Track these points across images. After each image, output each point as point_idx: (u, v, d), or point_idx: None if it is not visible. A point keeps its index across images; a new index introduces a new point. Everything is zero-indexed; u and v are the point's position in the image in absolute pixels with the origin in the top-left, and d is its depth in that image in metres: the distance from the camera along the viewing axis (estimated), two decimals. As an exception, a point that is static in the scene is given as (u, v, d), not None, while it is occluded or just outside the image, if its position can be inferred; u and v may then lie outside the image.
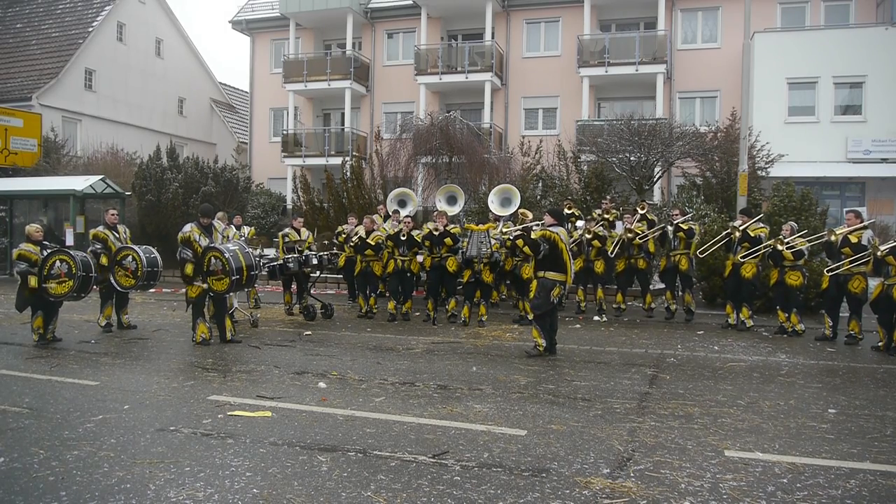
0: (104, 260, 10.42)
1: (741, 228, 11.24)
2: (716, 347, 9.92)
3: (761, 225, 11.43)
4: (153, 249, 10.74)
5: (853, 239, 10.01)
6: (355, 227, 12.91)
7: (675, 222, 12.02)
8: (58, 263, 9.64)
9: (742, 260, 11.09)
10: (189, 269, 9.74)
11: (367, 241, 12.31)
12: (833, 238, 10.17)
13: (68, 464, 4.99)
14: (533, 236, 9.17)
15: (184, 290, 10.28)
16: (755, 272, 11.16)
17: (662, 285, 13.07)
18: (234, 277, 9.47)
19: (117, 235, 10.89)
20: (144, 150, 24.59)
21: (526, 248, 9.22)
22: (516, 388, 7.35)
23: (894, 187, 21.82)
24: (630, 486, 4.64)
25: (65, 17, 30.17)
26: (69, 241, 17.59)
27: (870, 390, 7.47)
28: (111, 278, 10.42)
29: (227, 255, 9.48)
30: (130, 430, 5.79)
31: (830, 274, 10.16)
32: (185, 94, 33.73)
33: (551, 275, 8.89)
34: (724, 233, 11.84)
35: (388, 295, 12.86)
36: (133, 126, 30.06)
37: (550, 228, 8.98)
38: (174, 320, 12.24)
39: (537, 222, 10.64)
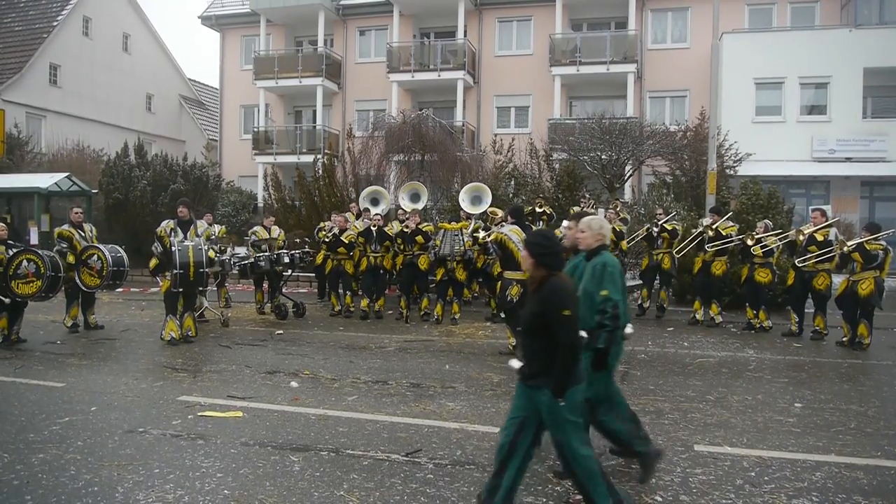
0: (71, 258, 10.23)
1: (714, 228, 11.41)
2: (685, 343, 10.05)
3: (730, 223, 11.63)
4: (119, 248, 10.58)
5: (819, 237, 10.21)
6: (338, 223, 12.81)
7: (659, 223, 12.15)
8: (25, 263, 9.44)
9: (709, 248, 11.25)
10: (153, 263, 9.95)
11: (341, 238, 12.25)
12: (800, 238, 10.35)
13: (33, 467, 4.89)
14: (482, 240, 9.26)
15: (154, 289, 10.16)
16: (725, 270, 11.36)
17: (634, 283, 13.19)
18: (176, 272, 9.39)
19: (83, 234, 10.68)
20: (112, 147, 24.08)
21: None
22: (489, 386, 7.38)
23: (858, 186, 22.31)
24: (602, 481, 4.68)
25: (28, 10, 29.48)
26: (34, 239, 17.22)
27: (834, 384, 7.63)
28: (76, 278, 10.23)
29: (173, 248, 9.48)
30: (98, 432, 5.70)
31: (800, 265, 10.32)
32: (153, 90, 33.17)
33: (509, 274, 8.99)
34: (696, 232, 12.01)
35: (360, 293, 12.81)
36: (100, 122, 29.46)
37: (501, 229, 9.13)
38: (143, 320, 12.06)
39: (502, 221, 10.72)
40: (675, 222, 12.52)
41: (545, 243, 3.86)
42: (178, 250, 9.45)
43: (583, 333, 4.37)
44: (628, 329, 4.74)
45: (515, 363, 3.97)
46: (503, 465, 3.87)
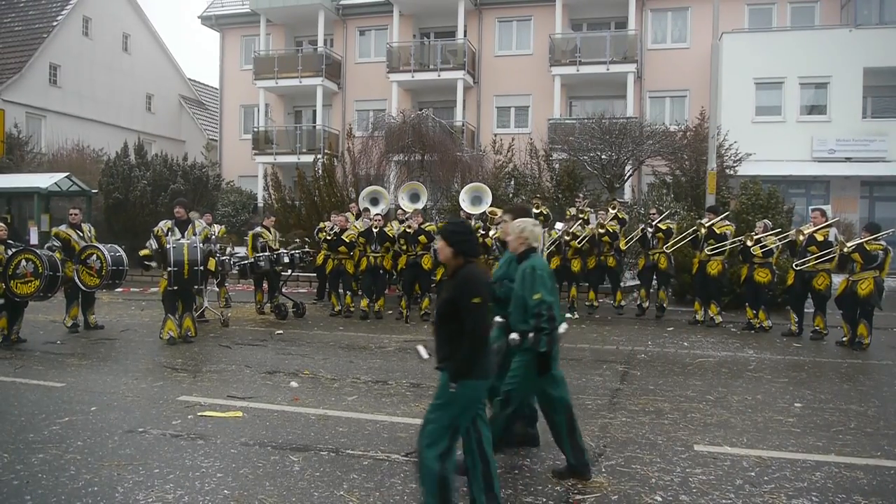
0: (58, 255, 10.17)
1: (707, 225, 11.43)
2: (685, 343, 10.05)
3: (727, 223, 11.64)
4: (119, 248, 10.56)
5: (819, 237, 10.21)
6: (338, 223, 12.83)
7: (654, 223, 12.16)
8: (23, 262, 9.43)
9: (709, 254, 11.27)
10: (144, 252, 10.26)
11: (342, 238, 12.26)
12: (800, 238, 10.36)
13: (33, 467, 4.89)
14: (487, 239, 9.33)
15: (153, 289, 10.15)
16: (721, 269, 11.35)
17: (633, 283, 13.19)
18: (171, 269, 9.41)
19: (81, 234, 10.66)
20: (111, 147, 24.09)
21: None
22: (489, 386, 7.37)
23: (858, 186, 22.31)
24: (601, 481, 4.68)
25: (28, 10, 29.48)
26: (34, 239, 17.21)
27: (834, 384, 7.63)
28: (75, 278, 10.21)
29: (168, 246, 9.51)
30: (98, 432, 5.70)
31: (798, 269, 10.34)
32: (153, 90, 33.16)
33: None
34: (690, 229, 12.03)
35: (360, 293, 12.82)
36: (99, 122, 29.45)
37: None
38: (143, 320, 12.05)
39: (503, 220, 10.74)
40: (669, 222, 12.54)
41: (461, 231, 3.93)
42: (173, 248, 9.47)
43: (514, 336, 4.50)
44: (562, 328, 4.77)
45: (423, 351, 4.01)
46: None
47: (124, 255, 10.44)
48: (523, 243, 4.77)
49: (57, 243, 10.39)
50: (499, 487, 4.01)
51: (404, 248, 11.98)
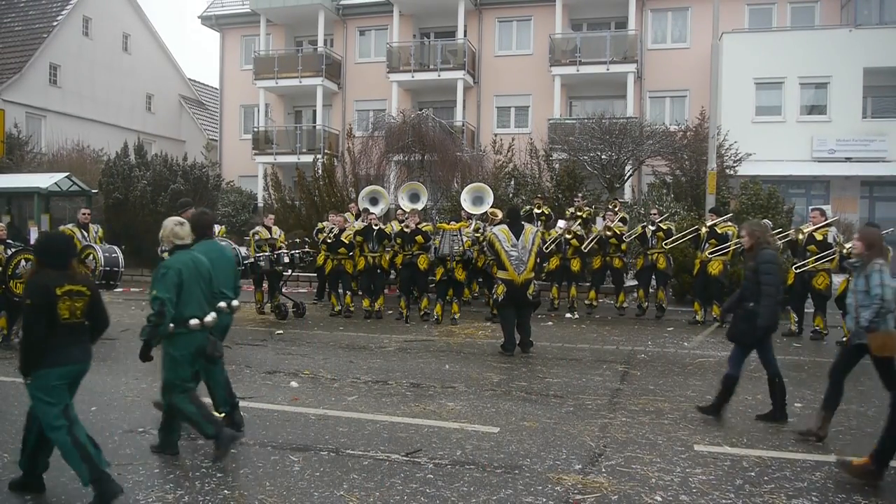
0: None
1: (708, 225, 11.43)
2: (685, 343, 10.04)
3: (729, 223, 11.63)
4: (117, 249, 10.50)
5: (818, 236, 10.22)
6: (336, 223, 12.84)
7: (655, 221, 12.16)
8: (23, 262, 9.42)
9: (710, 256, 11.26)
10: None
11: (341, 238, 12.26)
12: (800, 237, 10.36)
13: (33, 467, 4.88)
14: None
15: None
16: (722, 269, 11.35)
17: (632, 283, 13.20)
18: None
19: (86, 234, 10.68)
20: (111, 147, 24.09)
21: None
22: (489, 386, 7.38)
23: (858, 186, 22.30)
24: (602, 481, 4.69)
25: (28, 10, 29.48)
26: (34, 239, 17.21)
27: (834, 384, 7.62)
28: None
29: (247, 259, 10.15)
30: (98, 432, 5.68)
31: (798, 271, 10.35)
32: (153, 90, 33.14)
33: (499, 273, 9.13)
34: (691, 228, 12.04)
35: (360, 293, 12.81)
36: (99, 122, 29.43)
37: (492, 229, 9.38)
38: (143, 320, 12.02)
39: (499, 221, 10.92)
40: (670, 222, 12.56)
41: (44, 242, 4.53)
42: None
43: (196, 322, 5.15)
44: (210, 317, 5.35)
45: None
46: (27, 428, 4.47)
47: (120, 257, 10.35)
48: (169, 241, 5.25)
49: None
50: (78, 465, 4.23)
51: (401, 247, 11.98)
